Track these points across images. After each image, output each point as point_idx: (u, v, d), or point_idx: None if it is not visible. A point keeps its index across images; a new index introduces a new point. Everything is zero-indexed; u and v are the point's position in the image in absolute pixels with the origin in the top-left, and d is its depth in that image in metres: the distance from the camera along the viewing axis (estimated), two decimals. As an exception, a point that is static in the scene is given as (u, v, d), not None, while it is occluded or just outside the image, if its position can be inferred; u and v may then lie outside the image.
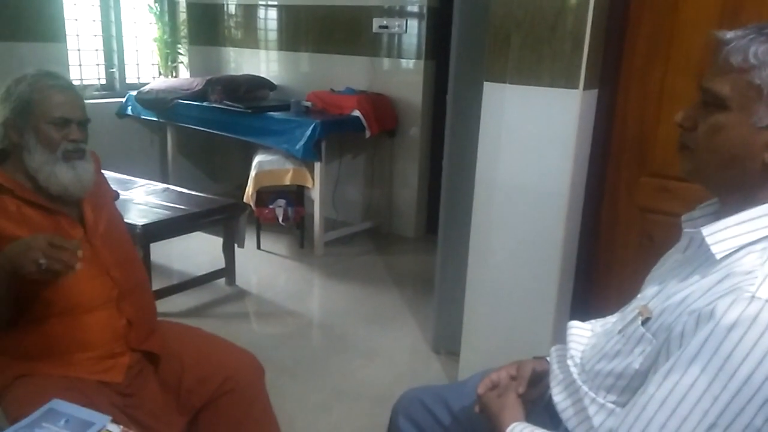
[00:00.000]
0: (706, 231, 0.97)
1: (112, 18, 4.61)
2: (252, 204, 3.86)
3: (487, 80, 2.13)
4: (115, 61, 4.69)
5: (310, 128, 3.72)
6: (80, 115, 1.53)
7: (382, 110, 4.14)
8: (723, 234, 0.95)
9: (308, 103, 4.13)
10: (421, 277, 3.69)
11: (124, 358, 1.55)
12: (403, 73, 4.25)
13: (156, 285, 2.98)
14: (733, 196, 0.98)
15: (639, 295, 1.14)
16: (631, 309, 1.09)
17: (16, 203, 1.48)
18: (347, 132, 4.03)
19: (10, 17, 3.65)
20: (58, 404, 1.12)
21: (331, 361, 2.76)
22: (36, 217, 1.49)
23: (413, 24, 4.16)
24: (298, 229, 4.14)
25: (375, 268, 3.88)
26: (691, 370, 0.88)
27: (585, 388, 1.08)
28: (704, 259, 0.97)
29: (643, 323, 1.01)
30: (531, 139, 2.08)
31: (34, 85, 1.50)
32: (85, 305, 1.50)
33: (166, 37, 4.92)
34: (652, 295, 1.06)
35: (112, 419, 1.12)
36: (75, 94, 1.55)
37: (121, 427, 1.11)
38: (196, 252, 3.84)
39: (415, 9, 4.14)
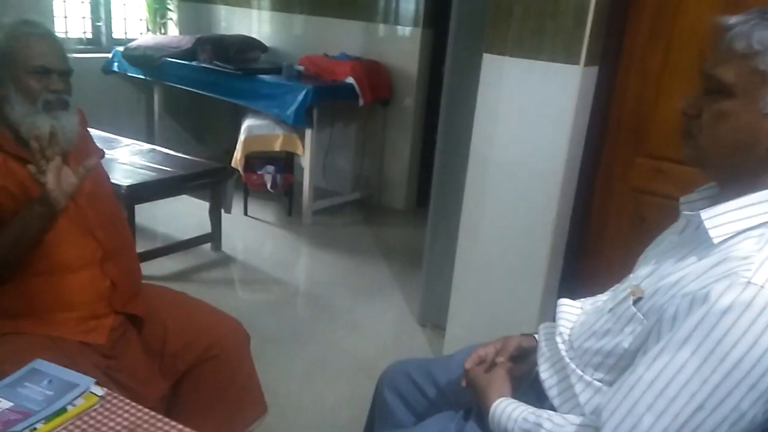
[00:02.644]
0: (705, 214, 0.96)
1: (100, -32, 4.48)
2: (240, 169, 3.81)
3: (486, 52, 2.09)
4: (102, 15, 4.56)
5: (302, 93, 3.66)
6: (61, 65, 1.48)
7: (377, 78, 4.08)
8: (722, 218, 0.94)
9: (301, 68, 4.06)
10: (410, 250, 3.68)
11: (107, 320, 1.53)
12: (400, 41, 4.18)
13: (140, 247, 2.93)
14: (734, 181, 0.97)
15: (631, 275, 1.13)
16: (623, 288, 1.09)
17: (2, 156, 1.43)
18: (340, 99, 3.97)
19: (-6, -35, 3.52)
20: (41, 364, 1.10)
21: (316, 330, 2.76)
22: (22, 172, 1.44)
23: (412, -11, 4.07)
24: (286, 196, 4.10)
25: (363, 239, 3.86)
26: (681, 353, 0.88)
27: (572, 365, 1.08)
28: (701, 242, 0.97)
29: (635, 303, 1.01)
30: (528, 114, 2.05)
31: (12, 34, 1.44)
32: (68, 265, 1.48)
33: (155, -9, 4.79)
34: (645, 275, 1.05)
35: (96, 381, 1.10)
36: (55, 42, 1.49)
37: (105, 389, 1.10)
38: (182, 215, 3.80)
39: (414, -26, 4.05)
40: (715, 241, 0.93)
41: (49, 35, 1.50)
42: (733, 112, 0.92)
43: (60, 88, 1.48)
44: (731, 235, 0.93)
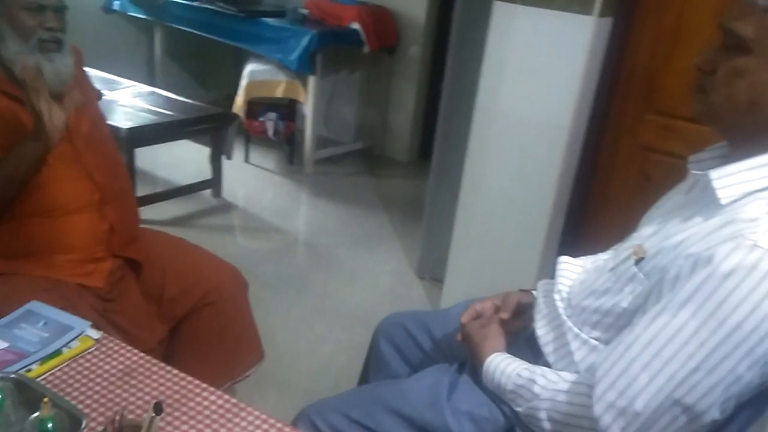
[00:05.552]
0: (714, 174, 0.93)
1: None
2: (242, 115, 3.75)
3: (496, -1, 2.02)
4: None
5: (306, 39, 3.57)
6: (55, 1, 1.43)
7: (383, 25, 3.97)
8: (731, 179, 0.92)
9: (305, 11, 3.95)
10: (411, 202, 3.67)
11: (105, 263, 1.53)
12: (408, -14, 4.05)
13: (140, 192, 2.93)
14: (746, 141, 0.94)
15: (634, 234, 1.11)
16: (626, 247, 1.07)
17: (-3, 95, 1.40)
18: (344, 45, 3.87)
19: None
20: (37, 306, 1.10)
21: (315, 279, 2.77)
22: (15, 110, 1.41)
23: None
24: (288, 144, 4.06)
25: (364, 189, 3.84)
26: (681, 314, 0.87)
27: (569, 323, 1.08)
28: (708, 203, 0.94)
29: (637, 263, 0.99)
30: (538, 65, 2.00)
31: None
32: (65, 207, 1.46)
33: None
34: (648, 234, 1.03)
35: (92, 324, 1.10)
36: None
37: (101, 332, 1.10)
38: (183, 161, 3.77)
39: None
40: (723, 201, 0.91)
41: None
42: (749, 69, 0.89)
43: (55, 25, 1.43)
44: (739, 196, 0.91)
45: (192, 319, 1.65)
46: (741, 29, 0.88)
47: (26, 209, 1.44)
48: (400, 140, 4.36)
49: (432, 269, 2.75)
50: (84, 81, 1.64)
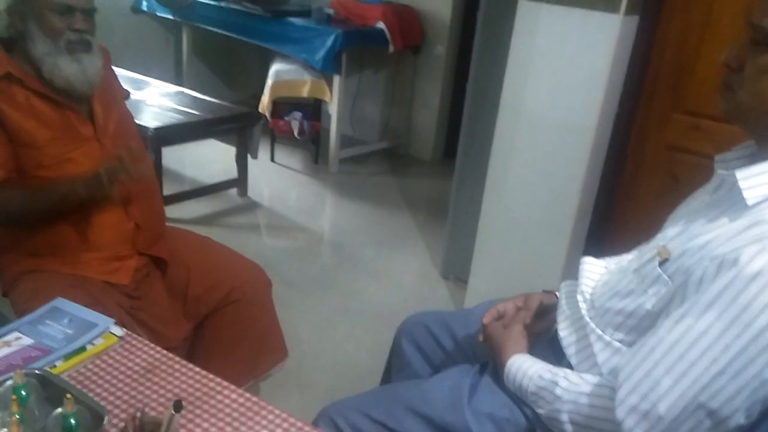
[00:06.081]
0: (740, 174, 0.91)
1: None
2: (267, 114, 3.78)
3: (522, -3, 2.00)
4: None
5: (331, 38, 3.58)
6: (85, 3, 1.45)
7: (408, 24, 3.96)
8: (758, 179, 0.90)
9: (330, 11, 3.96)
10: (435, 202, 3.65)
11: (131, 261, 1.56)
12: (432, -15, 4.03)
13: (167, 190, 2.97)
14: (774, 140, 0.92)
15: (659, 235, 1.09)
16: (650, 248, 1.05)
17: (25, 93, 1.43)
18: (369, 45, 3.88)
19: None
20: (62, 303, 1.12)
21: (339, 278, 2.78)
22: (44, 110, 1.44)
23: (447, -69, 3.91)
24: (313, 143, 4.08)
25: (389, 189, 3.84)
26: (706, 316, 0.85)
27: (592, 324, 1.06)
28: (734, 203, 0.92)
29: (661, 264, 0.97)
30: (563, 65, 1.97)
31: None
32: (92, 206, 1.49)
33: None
34: (673, 235, 1.01)
35: (116, 322, 1.12)
36: None
37: (125, 329, 1.11)
38: (209, 160, 3.81)
39: None
40: (749, 202, 0.89)
41: None
42: None
43: (83, 27, 1.45)
44: (766, 197, 0.88)
45: (216, 317, 1.67)
46: None
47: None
48: (425, 139, 4.34)
49: (456, 269, 2.74)
50: (112, 80, 1.67)
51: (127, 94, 1.79)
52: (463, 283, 2.57)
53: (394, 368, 1.48)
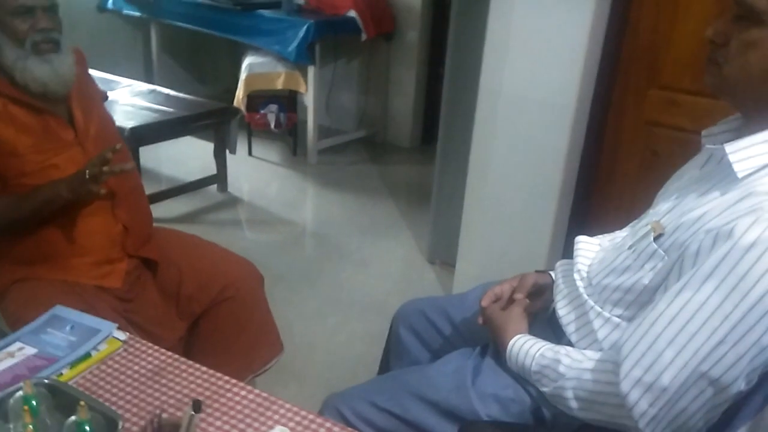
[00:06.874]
0: (729, 148, 0.94)
1: None
2: (243, 109, 3.74)
3: (496, -19, 2.01)
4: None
5: (304, 29, 3.55)
6: (44, 0, 1.41)
7: (379, 12, 3.95)
8: (747, 152, 0.92)
9: (301, 1, 3.92)
10: (416, 188, 3.67)
11: (121, 264, 1.54)
12: (402, -28, 4.02)
13: (146, 190, 2.91)
14: (760, 112, 0.94)
15: (651, 210, 1.12)
16: (643, 224, 1.08)
17: (2, 101, 1.40)
18: (342, 34, 3.86)
19: None
20: (62, 310, 1.11)
21: (326, 269, 2.78)
22: (23, 117, 1.42)
23: None
24: (290, 135, 4.05)
25: (369, 177, 3.84)
26: (704, 288, 0.87)
27: (591, 302, 1.09)
28: (724, 176, 0.95)
29: (656, 239, 1.00)
30: (540, 46, 1.99)
31: None
32: (78, 209, 1.47)
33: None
34: (665, 210, 1.04)
35: (117, 326, 1.11)
36: None
37: (127, 333, 1.11)
38: (186, 157, 3.77)
39: None
40: (740, 175, 0.92)
41: None
42: (763, 40, 0.89)
43: (47, 26, 1.41)
44: (756, 169, 0.91)
45: (210, 315, 1.66)
46: (754, 1, 0.88)
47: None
48: (402, 126, 4.35)
49: (442, 253, 2.76)
50: (89, 82, 1.64)
51: (105, 96, 1.76)
52: (450, 267, 2.59)
53: (393, 356, 1.49)
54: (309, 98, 3.79)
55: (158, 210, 3.02)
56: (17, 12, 1.38)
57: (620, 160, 2.12)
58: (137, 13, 4.28)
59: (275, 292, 2.33)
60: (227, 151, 3.36)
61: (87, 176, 1.35)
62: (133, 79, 3.59)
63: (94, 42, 3.99)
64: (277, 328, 1.79)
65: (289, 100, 3.88)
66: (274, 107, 3.83)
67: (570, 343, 1.10)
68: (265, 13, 3.77)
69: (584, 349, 1.06)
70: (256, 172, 3.83)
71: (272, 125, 3.85)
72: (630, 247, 1.06)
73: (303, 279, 2.68)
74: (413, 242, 3.04)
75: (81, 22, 3.97)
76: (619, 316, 1.04)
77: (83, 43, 1.50)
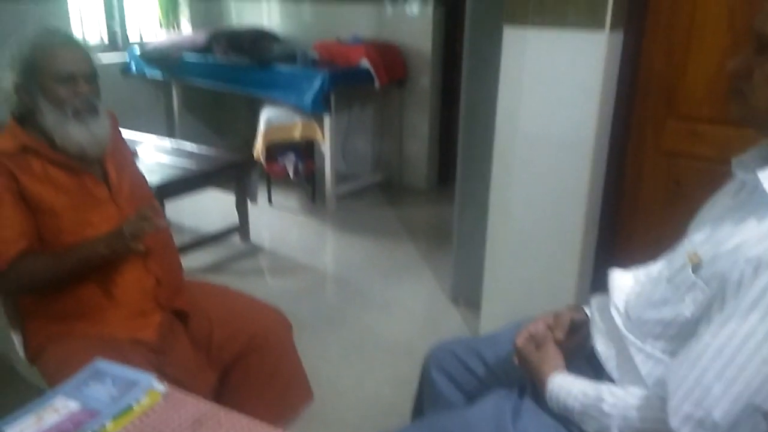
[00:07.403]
0: (762, 175, 0.94)
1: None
2: (262, 159, 3.81)
3: (506, 23, 2.05)
4: (116, 16, 4.56)
5: (318, 80, 3.64)
6: (85, 69, 1.48)
7: (391, 59, 4.04)
8: (780, 178, 0.92)
9: (315, 54, 4.03)
10: (435, 228, 3.68)
11: (155, 316, 1.55)
12: (412, 20, 4.12)
13: (172, 242, 2.96)
14: (788, 139, 0.95)
15: (685, 241, 1.11)
16: (679, 255, 1.07)
17: (41, 163, 1.45)
18: (356, 83, 3.95)
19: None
20: (101, 364, 1.11)
21: (349, 314, 2.77)
22: (60, 177, 1.46)
23: (421, -32, 4.02)
24: (308, 183, 4.11)
25: (388, 220, 3.86)
26: (749, 318, 0.86)
27: (631, 336, 1.07)
28: (759, 204, 0.95)
29: (694, 270, 0.99)
30: (554, 84, 2.02)
31: (35, 44, 1.45)
32: (113, 264, 1.49)
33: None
34: (700, 240, 1.03)
35: (156, 377, 1.11)
36: (77, 47, 1.50)
37: (165, 384, 1.11)
38: (208, 209, 3.82)
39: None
40: (775, 201, 0.92)
41: (71, 41, 1.50)
42: None
43: (87, 92, 1.48)
44: (790, 195, 0.91)
45: (240, 365, 1.66)
46: None
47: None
48: (417, 168, 4.39)
49: (466, 293, 2.74)
50: (121, 142, 1.69)
51: (135, 154, 1.81)
52: (474, 306, 2.57)
53: (426, 399, 1.47)
54: (326, 146, 3.86)
55: (183, 261, 3.04)
56: (60, 79, 1.44)
57: (643, 192, 2.12)
58: (159, 76, 4.43)
59: (299, 339, 2.30)
60: (248, 201, 3.41)
61: (126, 234, 1.38)
62: (156, 134, 3.68)
63: (120, 103, 4.07)
64: (306, 376, 1.78)
65: (306, 149, 3.95)
66: (292, 156, 3.90)
67: (611, 380, 1.09)
68: (282, 67, 3.89)
69: (627, 385, 1.04)
70: (276, 220, 3.86)
71: (291, 174, 3.91)
72: (668, 279, 1.05)
73: (326, 324, 2.67)
74: (435, 283, 3.03)
75: (106, 85, 4.08)
76: (661, 351, 1.03)
77: (109, 104, 1.56)
